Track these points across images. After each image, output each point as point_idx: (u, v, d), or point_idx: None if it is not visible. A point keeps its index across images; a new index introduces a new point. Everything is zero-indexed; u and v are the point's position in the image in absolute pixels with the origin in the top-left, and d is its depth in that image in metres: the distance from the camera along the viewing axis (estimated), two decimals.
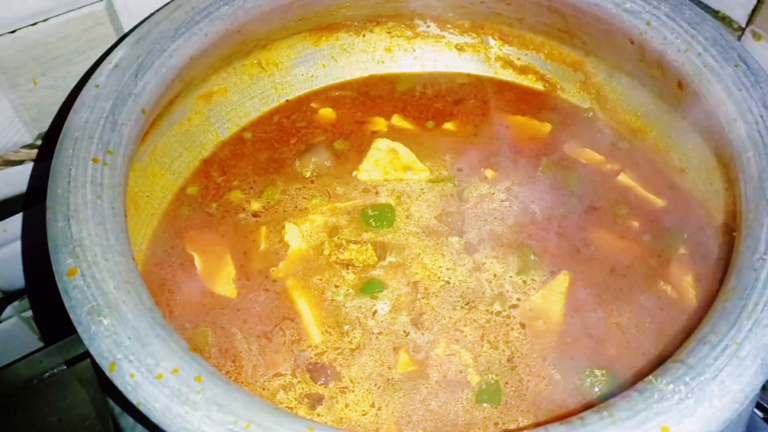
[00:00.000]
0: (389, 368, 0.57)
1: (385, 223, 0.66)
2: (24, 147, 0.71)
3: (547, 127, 0.75)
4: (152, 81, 0.58)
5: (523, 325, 0.59)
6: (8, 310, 0.84)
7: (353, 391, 0.56)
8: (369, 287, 0.62)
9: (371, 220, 0.66)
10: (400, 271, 0.63)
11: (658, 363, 0.46)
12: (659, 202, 0.68)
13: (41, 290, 0.84)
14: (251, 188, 0.70)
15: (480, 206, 0.67)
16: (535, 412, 0.55)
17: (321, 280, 0.62)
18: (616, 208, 0.67)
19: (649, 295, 0.61)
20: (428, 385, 0.56)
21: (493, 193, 0.68)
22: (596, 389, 0.56)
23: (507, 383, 0.56)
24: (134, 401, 0.42)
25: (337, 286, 0.62)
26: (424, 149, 0.72)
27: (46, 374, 0.75)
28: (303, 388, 0.56)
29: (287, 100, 0.79)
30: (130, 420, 0.52)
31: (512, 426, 0.54)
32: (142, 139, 0.61)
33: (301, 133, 0.75)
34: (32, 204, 0.75)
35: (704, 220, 0.66)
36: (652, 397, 0.42)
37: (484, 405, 0.55)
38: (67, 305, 0.45)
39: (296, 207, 0.68)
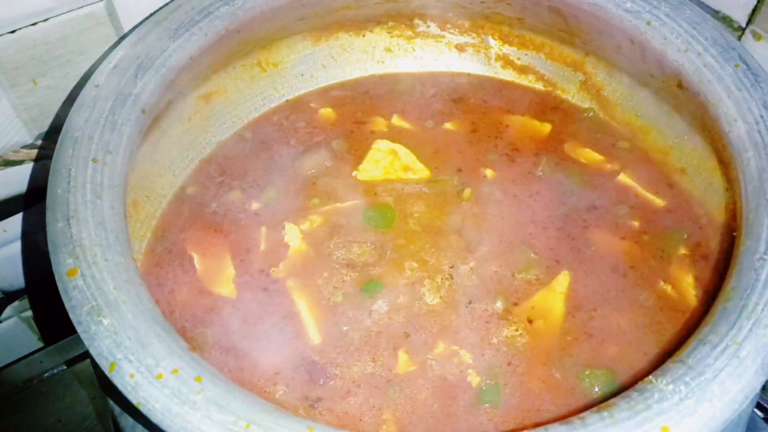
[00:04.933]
0: (389, 369, 0.57)
1: (384, 223, 0.66)
2: (24, 147, 0.71)
3: (547, 127, 0.75)
4: (152, 81, 0.58)
5: (523, 325, 0.59)
6: (8, 310, 0.84)
7: (353, 392, 0.56)
8: (369, 287, 0.62)
9: (371, 220, 0.66)
10: (400, 271, 0.63)
11: (658, 363, 0.46)
12: (659, 202, 0.68)
13: (41, 290, 0.84)
14: (251, 188, 0.70)
15: (480, 206, 0.67)
16: (535, 412, 0.55)
17: (321, 280, 0.62)
18: (616, 208, 0.67)
19: (649, 295, 0.61)
20: (428, 386, 0.56)
21: (493, 193, 0.68)
22: (596, 389, 0.56)
23: (507, 383, 0.56)
24: (134, 401, 0.42)
25: (336, 287, 0.62)
26: (424, 149, 0.72)
27: (46, 374, 0.75)
28: (303, 388, 0.56)
29: (287, 100, 0.79)
30: (130, 420, 0.52)
31: (512, 426, 0.54)
32: (142, 139, 0.61)
33: (300, 133, 0.75)
34: (32, 204, 0.75)
35: (704, 220, 0.66)
36: (652, 397, 0.42)
37: (485, 405, 0.55)
38: (67, 305, 0.45)
39: (296, 207, 0.68)
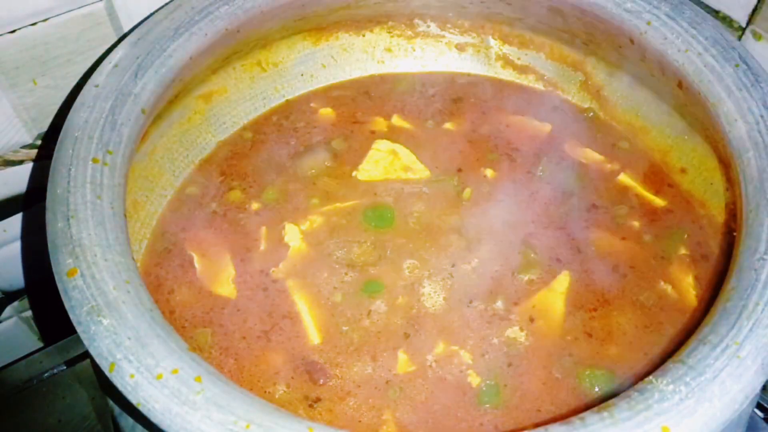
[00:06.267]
0: (389, 369, 0.57)
1: (384, 223, 0.66)
2: (24, 147, 0.71)
3: (547, 127, 0.75)
4: (152, 81, 0.58)
5: (523, 325, 0.59)
6: (8, 310, 0.84)
7: (353, 392, 0.56)
8: (368, 287, 0.62)
9: (371, 220, 0.66)
10: (400, 272, 0.63)
11: (658, 363, 0.46)
12: (659, 202, 0.68)
13: (41, 290, 0.84)
14: (251, 188, 0.70)
15: (480, 206, 0.67)
16: (535, 413, 0.55)
17: (321, 280, 0.62)
18: (616, 208, 0.67)
19: (649, 295, 0.61)
20: (428, 386, 0.56)
21: (493, 193, 0.68)
22: (596, 389, 0.56)
23: (507, 384, 0.56)
24: (134, 401, 0.42)
25: (336, 287, 0.62)
26: (423, 149, 0.72)
27: (46, 374, 0.75)
28: (302, 389, 0.56)
29: (287, 100, 0.79)
30: (130, 420, 0.52)
31: (512, 426, 0.54)
32: (142, 139, 0.61)
33: (300, 133, 0.75)
34: (32, 204, 0.75)
35: (704, 220, 0.66)
36: (653, 398, 0.41)
37: (485, 406, 0.55)
38: (66, 305, 0.45)
39: (296, 207, 0.68)
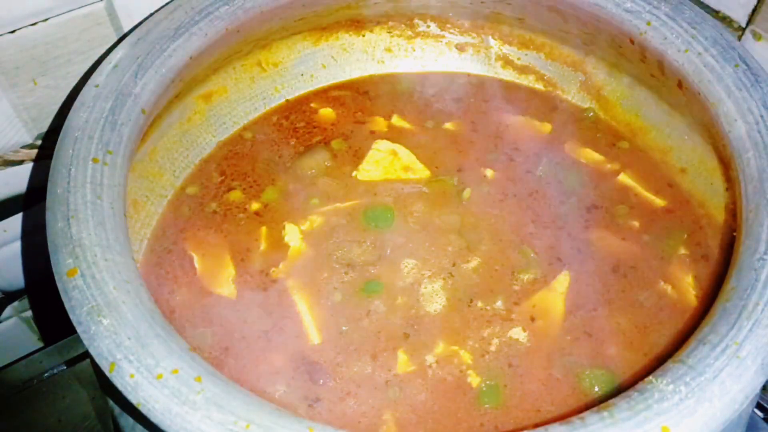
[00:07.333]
0: (389, 369, 0.57)
1: (384, 223, 0.66)
2: (24, 147, 0.71)
3: (547, 127, 0.75)
4: (152, 81, 0.58)
5: (523, 325, 0.59)
6: (8, 310, 0.84)
7: (353, 392, 0.56)
8: (368, 287, 0.62)
9: (371, 220, 0.66)
10: (399, 272, 0.63)
11: (658, 363, 0.46)
12: (659, 202, 0.68)
13: (41, 290, 0.84)
14: (251, 188, 0.70)
15: (480, 206, 0.67)
16: (535, 413, 0.55)
17: (320, 280, 0.62)
18: (616, 208, 0.67)
19: (649, 295, 0.61)
20: (428, 386, 0.56)
21: (493, 193, 0.68)
22: (596, 389, 0.56)
23: (507, 384, 0.56)
24: (134, 401, 0.42)
25: (336, 287, 0.62)
26: (423, 149, 0.72)
27: (46, 374, 0.75)
28: (302, 388, 0.56)
29: (287, 100, 0.79)
30: (130, 420, 0.52)
31: (512, 426, 0.54)
32: (142, 139, 0.61)
33: (300, 133, 0.75)
34: (32, 204, 0.75)
35: (704, 220, 0.66)
36: (653, 397, 0.42)
37: (485, 406, 0.55)
38: (66, 305, 0.45)
39: (296, 207, 0.68)
